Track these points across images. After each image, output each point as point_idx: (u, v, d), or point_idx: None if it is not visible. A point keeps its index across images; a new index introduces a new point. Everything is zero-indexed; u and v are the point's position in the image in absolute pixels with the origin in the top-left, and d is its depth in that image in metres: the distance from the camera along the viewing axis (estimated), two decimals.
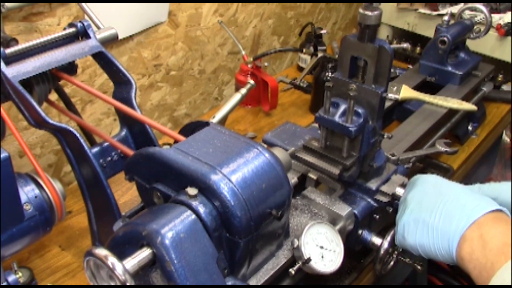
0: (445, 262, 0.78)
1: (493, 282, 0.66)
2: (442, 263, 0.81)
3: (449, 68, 1.43)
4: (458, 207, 0.76)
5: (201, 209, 0.68)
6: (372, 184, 0.94)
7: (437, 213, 0.77)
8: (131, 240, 0.67)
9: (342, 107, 0.88)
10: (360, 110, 0.87)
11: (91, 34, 0.92)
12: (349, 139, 0.89)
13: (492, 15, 1.60)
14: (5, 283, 0.87)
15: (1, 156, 0.72)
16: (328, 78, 1.45)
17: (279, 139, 1.04)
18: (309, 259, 0.79)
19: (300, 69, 1.83)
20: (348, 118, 0.86)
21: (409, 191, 0.87)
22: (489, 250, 0.69)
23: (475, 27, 1.49)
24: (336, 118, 0.88)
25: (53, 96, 0.97)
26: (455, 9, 1.76)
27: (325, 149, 0.93)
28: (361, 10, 0.83)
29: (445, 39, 1.39)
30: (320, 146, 0.93)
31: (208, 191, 0.68)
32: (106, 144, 0.92)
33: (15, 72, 0.81)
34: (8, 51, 0.82)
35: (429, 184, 0.84)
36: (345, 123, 0.87)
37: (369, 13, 0.82)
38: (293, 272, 0.79)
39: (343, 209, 0.89)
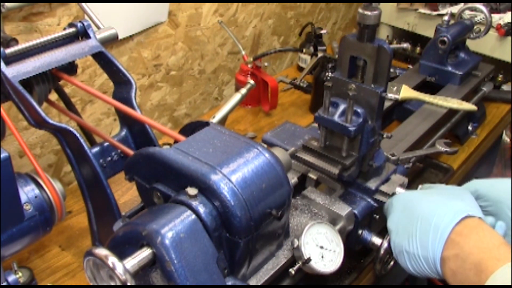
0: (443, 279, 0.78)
1: None
2: None
3: (449, 68, 1.43)
4: (429, 229, 0.76)
5: (201, 209, 0.68)
6: (372, 184, 0.94)
7: (413, 241, 0.78)
8: (131, 240, 0.67)
9: (342, 106, 0.88)
10: (359, 110, 0.87)
11: (91, 34, 0.92)
12: (348, 139, 0.89)
13: (492, 15, 1.60)
14: (5, 283, 0.87)
15: (1, 156, 0.72)
16: (328, 78, 1.46)
17: (279, 139, 1.04)
18: (309, 259, 0.79)
19: (300, 69, 1.83)
20: (348, 118, 0.86)
21: (388, 217, 0.87)
22: (469, 270, 0.70)
23: (475, 27, 1.49)
24: (336, 117, 0.88)
25: (53, 96, 0.97)
26: (455, 9, 1.76)
27: (325, 149, 0.93)
28: (360, 10, 0.83)
29: (445, 39, 1.39)
30: (320, 146, 0.94)
31: (208, 191, 0.68)
32: (106, 144, 0.92)
33: (15, 72, 0.81)
34: (8, 51, 0.82)
35: (400, 208, 0.85)
36: (344, 122, 0.87)
37: (368, 13, 0.82)
38: (293, 272, 0.79)
39: (343, 209, 0.89)
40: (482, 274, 0.68)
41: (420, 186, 0.94)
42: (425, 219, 0.78)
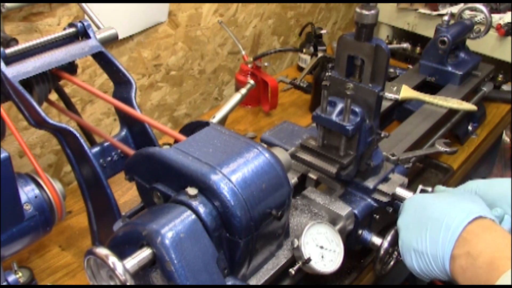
0: (448, 281, 0.78)
1: None
2: None
3: (449, 68, 1.43)
4: (440, 228, 0.76)
5: (201, 209, 0.68)
6: (370, 183, 0.95)
7: (423, 238, 0.78)
8: (131, 240, 0.67)
9: (339, 106, 0.88)
10: (357, 109, 0.87)
11: (91, 34, 0.92)
12: (346, 138, 0.89)
13: (492, 15, 1.60)
14: (5, 283, 0.87)
15: (1, 156, 0.72)
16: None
17: (277, 138, 1.04)
18: (309, 259, 0.79)
19: (300, 69, 1.83)
20: (345, 117, 0.86)
21: (399, 216, 0.87)
22: (479, 268, 0.70)
23: (475, 27, 1.49)
24: (333, 117, 0.88)
25: (53, 96, 0.97)
26: (455, 9, 1.76)
27: (323, 148, 0.93)
28: (357, 9, 0.83)
29: (445, 39, 1.39)
30: (318, 145, 0.94)
31: (208, 191, 0.68)
32: (106, 144, 0.92)
33: (15, 72, 0.81)
34: (8, 51, 0.82)
35: (412, 208, 0.85)
36: (342, 122, 0.87)
37: (365, 12, 0.82)
38: (293, 272, 0.79)
39: (343, 209, 0.89)
40: (493, 272, 0.68)
41: (434, 187, 0.93)
42: (436, 218, 0.78)
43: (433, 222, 0.78)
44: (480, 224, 0.74)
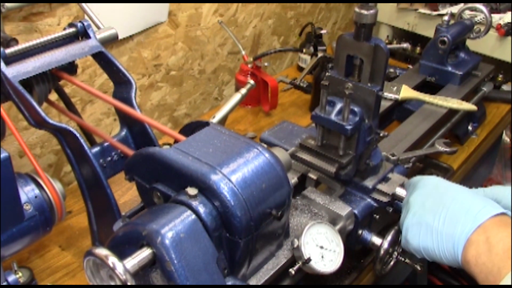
0: (449, 265, 0.77)
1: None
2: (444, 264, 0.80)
3: (449, 68, 1.43)
4: (462, 211, 0.76)
5: (201, 209, 0.68)
6: (369, 183, 0.95)
7: (441, 216, 0.77)
8: (131, 240, 0.67)
9: (338, 105, 0.88)
10: (356, 109, 0.87)
11: (91, 34, 0.92)
12: (345, 138, 0.89)
13: (492, 15, 1.60)
14: (5, 283, 0.87)
15: (1, 156, 0.72)
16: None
17: (276, 138, 1.05)
18: (309, 259, 0.79)
19: (300, 69, 1.83)
20: (344, 117, 0.86)
21: (411, 193, 0.86)
22: (496, 255, 0.69)
23: (475, 27, 1.49)
24: (332, 116, 0.88)
25: (53, 96, 0.97)
26: (455, 9, 1.76)
27: (322, 148, 0.93)
28: (356, 9, 0.83)
29: (445, 39, 1.39)
30: (317, 145, 0.94)
31: (208, 191, 0.68)
32: (106, 144, 0.92)
33: (15, 72, 0.81)
34: (8, 51, 0.82)
35: (431, 186, 0.84)
36: (341, 121, 0.87)
37: (364, 11, 0.82)
38: (293, 272, 0.79)
39: (343, 209, 0.89)
40: (509, 260, 0.67)
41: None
42: (460, 201, 0.77)
43: (457, 204, 0.77)
44: (503, 219, 0.74)
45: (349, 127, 0.86)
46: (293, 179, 0.93)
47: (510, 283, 0.65)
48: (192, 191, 0.68)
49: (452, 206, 0.77)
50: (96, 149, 0.91)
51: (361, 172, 0.95)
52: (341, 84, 0.87)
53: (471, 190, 0.83)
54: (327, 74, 1.52)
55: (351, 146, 0.90)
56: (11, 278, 0.88)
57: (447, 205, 0.78)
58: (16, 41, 0.90)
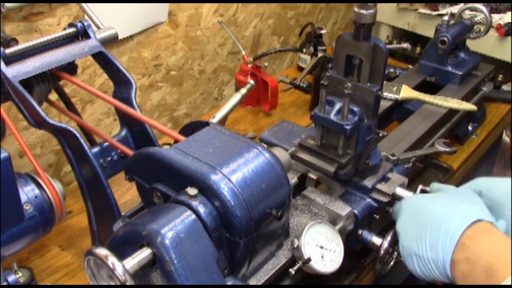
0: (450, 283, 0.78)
1: None
2: None
3: (449, 68, 1.43)
4: (439, 233, 0.76)
5: (201, 209, 0.68)
6: (368, 182, 0.95)
7: (423, 242, 0.78)
8: (131, 240, 0.67)
9: (338, 105, 0.88)
10: (355, 109, 0.87)
11: (91, 34, 0.92)
12: (344, 137, 0.89)
13: (492, 15, 1.60)
14: (5, 283, 0.87)
15: (1, 156, 0.72)
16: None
17: (276, 138, 1.05)
18: (309, 259, 0.79)
19: (300, 69, 1.83)
20: (344, 116, 0.86)
21: (396, 221, 0.87)
22: (479, 274, 0.70)
23: (475, 27, 1.49)
24: (332, 116, 0.88)
25: (53, 96, 0.97)
26: (455, 9, 1.76)
27: (321, 147, 0.93)
28: (356, 9, 0.83)
29: (445, 39, 1.39)
30: (316, 144, 0.94)
31: (208, 191, 0.68)
32: (106, 144, 0.92)
33: (15, 72, 0.81)
34: (8, 51, 0.82)
35: (411, 211, 0.84)
36: (340, 121, 0.87)
37: (364, 11, 0.82)
38: (293, 272, 0.79)
39: (343, 209, 0.89)
40: (492, 278, 0.68)
41: (430, 185, 0.93)
42: (435, 222, 0.77)
43: (432, 226, 0.77)
44: (479, 228, 0.74)
45: (348, 127, 0.86)
46: (293, 179, 0.93)
47: None
48: (192, 191, 0.68)
49: (429, 228, 0.78)
50: (96, 149, 0.91)
51: (361, 172, 0.95)
52: (341, 84, 0.87)
53: (446, 198, 0.82)
54: (326, 74, 1.53)
55: (350, 145, 0.90)
56: (11, 278, 0.88)
57: (425, 230, 0.78)
58: (16, 41, 0.90)
